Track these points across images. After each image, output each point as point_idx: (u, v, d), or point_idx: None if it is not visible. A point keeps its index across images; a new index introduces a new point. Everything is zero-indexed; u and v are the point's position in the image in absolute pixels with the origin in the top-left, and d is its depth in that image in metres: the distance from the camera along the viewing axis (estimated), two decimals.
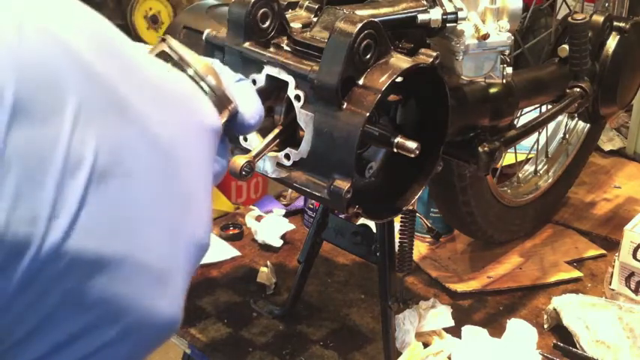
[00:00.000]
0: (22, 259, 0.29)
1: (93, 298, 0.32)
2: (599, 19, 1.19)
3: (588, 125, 1.47)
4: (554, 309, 1.11)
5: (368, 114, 0.72)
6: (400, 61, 0.75)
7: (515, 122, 1.05)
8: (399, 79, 0.75)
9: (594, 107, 1.22)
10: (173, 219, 0.36)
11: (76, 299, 0.31)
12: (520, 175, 1.44)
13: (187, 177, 0.37)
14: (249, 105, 0.45)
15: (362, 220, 0.87)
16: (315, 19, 0.83)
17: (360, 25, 0.72)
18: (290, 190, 1.48)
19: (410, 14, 0.87)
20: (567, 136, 1.49)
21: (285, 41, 0.79)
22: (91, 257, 0.31)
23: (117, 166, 0.32)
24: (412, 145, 0.76)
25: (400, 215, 1.04)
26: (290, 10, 0.86)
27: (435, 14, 0.87)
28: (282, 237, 1.34)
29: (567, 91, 1.16)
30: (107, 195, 0.32)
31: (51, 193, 0.30)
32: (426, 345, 1.04)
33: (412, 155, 0.76)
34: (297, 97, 0.75)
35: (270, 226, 1.35)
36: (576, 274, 1.27)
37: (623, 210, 1.50)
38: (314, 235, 1.08)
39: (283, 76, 0.77)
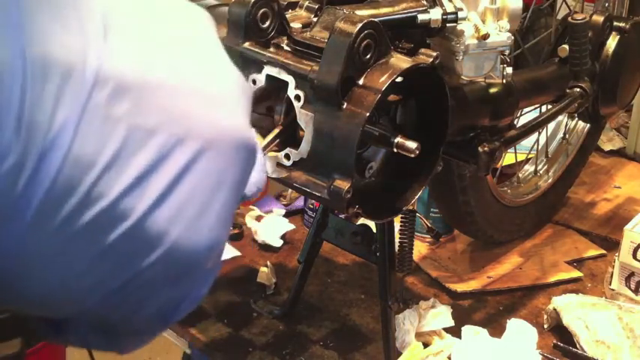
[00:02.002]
0: (68, 83, 0.29)
1: (154, 121, 0.31)
2: (599, 19, 1.19)
3: (588, 125, 1.47)
4: (554, 309, 1.11)
5: (368, 114, 0.72)
6: (400, 61, 0.75)
7: (515, 122, 1.05)
8: (399, 79, 0.75)
9: (594, 107, 1.22)
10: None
11: (139, 124, 0.30)
12: (520, 175, 1.44)
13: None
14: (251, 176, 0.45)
15: (362, 220, 0.87)
16: (315, 19, 0.83)
17: (360, 25, 0.72)
18: (290, 190, 1.48)
19: (410, 14, 0.87)
20: (567, 136, 1.49)
21: (285, 41, 0.79)
22: (138, 81, 0.30)
23: None
24: (412, 145, 0.76)
25: (400, 215, 1.04)
26: (290, 10, 0.86)
27: (435, 14, 0.87)
28: (282, 237, 1.34)
29: (567, 91, 1.16)
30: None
31: (96, 23, 0.30)
32: (426, 345, 1.04)
33: (412, 155, 0.76)
34: (297, 97, 0.75)
35: (270, 226, 1.35)
36: (576, 274, 1.27)
37: (623, 210, 1.50)
38: (314, 235, 1.07)
39: (283, 76, 0.77)
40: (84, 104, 0.29)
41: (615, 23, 1.22)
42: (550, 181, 1.44)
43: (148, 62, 0.31)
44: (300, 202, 1.45)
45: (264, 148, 0.74)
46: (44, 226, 0.29)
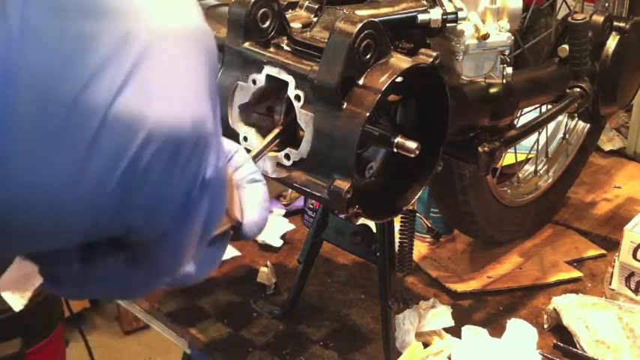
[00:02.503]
0: None
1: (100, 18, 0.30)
2: (599, 19, 1.19)
3: (588, 125, 1.47)
4: (554, 309, 1.11)
5: (368, 114, 0.72)
6: (400, 61, 0.75)
7: (515, 122, 1.05)
8: (399, 79, 0.75)
9: (594, 107, 1.22)
10: None
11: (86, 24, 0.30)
12: (520, 175, 1.44)
13: None
14: (253, 216, 0.42)
15: (362, 220, 0.87)
16: (315, 19, 0.83)
17: (360, 25, 0.72)
18: (290, 190, 1.48)
19: (410, 14, 0.87)
20: (567, 136, 1.49)
21: (285, 41, 0.79)
22: None
23: None
24: (412, 145, 0.76)
25: (400, 215, 1.04)
26: (290, 10, 0.86)
27: (435, 14, 0.87)
28: (282, 237, 1.34)
29: (567, 91, 1.16)
30: None
31: None
32: (426, 345, 1.04)
33: (412, 155, 0.76)
34: (297, 97, 0.75)
35: (270, 226, 1.35)
36: (576, 274, 1.27)
37: (623, 210, 1.50)
38: (314, 235, 1.08)
39: (283, 76, 0.77)
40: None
41: (615, 23, 1.22)
42: (550, 181, 1.44)
43: None
44: (300, 202, 1.45)
45: (264, 149, 0.74)
46: (13, 129, 0.28)
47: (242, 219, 0.42)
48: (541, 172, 1.46)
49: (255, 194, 0.43)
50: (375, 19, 0.74)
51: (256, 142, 0.78)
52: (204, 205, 0.34)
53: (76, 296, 0.37)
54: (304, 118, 0.75)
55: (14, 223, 0.29)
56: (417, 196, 0.86)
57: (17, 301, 0.35)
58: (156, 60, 0.31)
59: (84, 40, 0.29)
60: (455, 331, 1.07)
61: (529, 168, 1.46)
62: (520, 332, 1.07)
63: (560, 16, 1.33)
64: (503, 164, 1.36)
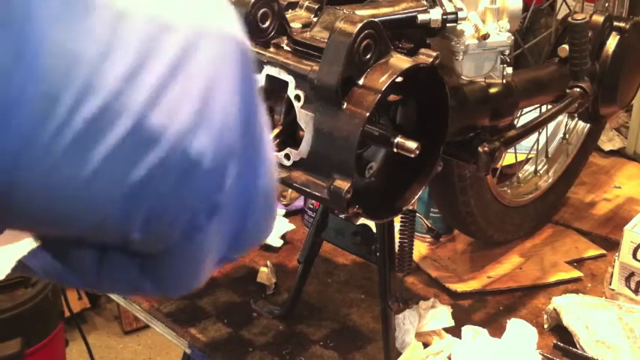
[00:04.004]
0: None
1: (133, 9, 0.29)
2: (599, 19, 1.19)
3: (588, 125, 1.47)
4: (554, 309, 1.11)
5: (368, 114, 0.72)
6: (400, 61, 0.75)
7: (515, 122, 1.05)
8: (399, 79, 0.75)
9: (594, 107, 1.22)
10: None
11: (119, 11, 0.29)
12: (520, 175, 1.44)
13: None
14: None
15: (362, 220, 0.87)
16: (315, 19, 0.83)
17: (360, 25, 0.72)
18: (290, 190, 1.47)
19: (410, 14, 0.87)
20: (567, 136, 1.49)
21: (285, 41, 0.79)
22: None
23: None
24: (412, 145, 0.76)
25: (400, 215, 1.04)
26: (290, 10, 0.86)
27: (435, 14, 0.87)
28: (282, 237, 1.34)
29: (567, 91, 1.16)
30: None
31: None
32: (426, 345, 1.04)
33: (412, 155, 0.76)
34: (297, 97, 0.75)
35: None
36: (576, 274, 1.27)
37: (623, 210, 1.50)
38: (314, 235, 1.08)
39: (283, 76, 0.77)
40: None
41: (615, 23, 1.22)
42: (550, 181, 1.44)
43: None
44: (300, 202, 1.45)
45: None
46: (41, 130, 0.27)
47: None
48: (541, 172, 1.46)
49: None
50: (375, 19, 0.74)
51: None
52: (213, 229, 0.33)
53: (95, 289, 0.36)
54: (304, 118, 0.75)
55: (14, 198, 0.29)
56: (417, 196, 0.86)
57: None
58: (190, 70, 0.30)
59: (119, 32, 0.28)
60: (455, 331, 1.07)
61: (529, 168, 1.46)
62: (520, 332, 1.07)
63: (560, 16, 1.33)
64: (503, 164, 1.36)
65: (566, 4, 1.40)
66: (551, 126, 1.47)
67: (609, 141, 1.76)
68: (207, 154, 0.31)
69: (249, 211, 0.34)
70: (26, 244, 0.34)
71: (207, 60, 0.31)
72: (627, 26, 1.21)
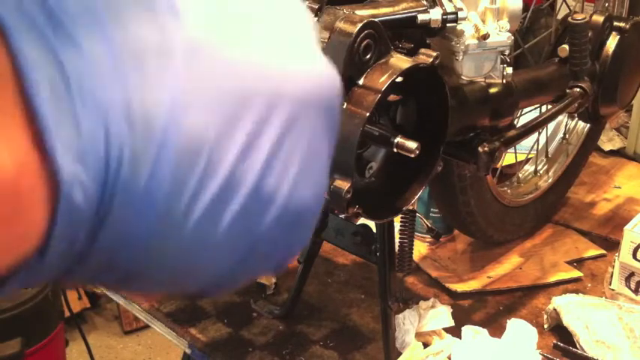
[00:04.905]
0: None
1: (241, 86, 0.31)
2: (599, 19, 1.19)
3: (588, 125, 1.47)
4: (554, 309, 1.11)
5: (368, 114, 0.72)
6: (400, 61, 0.75)
7: (515, 122, 1.05)
8: (399, 79, 0.75)
9: (594, 107, 1.22)
10: None
11: (229, 91, 0.31)
12: (520, 175, 1.44)
13: None
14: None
15: (362, 220, 0.87)
16: (315, 19, 0.83)
17: (360, 25, 0.72)
18: None
19: (410, 14, 0.87)
20: (567, 136, 1.49)
21: None
22: None
23: None
24: (412, 145, 0.76)
25: (400, 215, 1.04)
26: None
27: (435, 14, 0.87)
28: None
29: (567, 91, 1.16)
30: None
31: None
32: (426, 345, 1.04)
33: (412, 155, 0.76)
34: None
35: None
36: (576, 274, 1.27)
37: (623, 210, 1.50)
38: (314, 235, 1.07)
39: None
40: (183, 79, 0.29)
41: (615, 23, 1.22)
42: (550, 181, 1.44)
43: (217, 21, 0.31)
44: None
45: None
46: (172, 211, 0.29)
47: None
48: (541, 172, 1.46)
49: None
50: (375, 19, 0.74)
51: None
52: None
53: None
54: None
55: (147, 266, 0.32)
56: (417, 196, 0.86)
57: None
58: (296, 135, 0.32)
59: (233, 109, 0.30)
60: (455, 331, 1.07)
61: (529, 168, 1.46)
62: (520, 332, 1.07)
63: (560, 16, 1.33)
64: (503, 164, 1.36)
65: (566, 4, 1.40)
66: (551, 126, 1.47)
67: (609, 141, 1.76)
68: (311, 205, 0.34)
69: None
70: None
71: (309, 129, 0.33)
72: (627, 26, 1.21)
